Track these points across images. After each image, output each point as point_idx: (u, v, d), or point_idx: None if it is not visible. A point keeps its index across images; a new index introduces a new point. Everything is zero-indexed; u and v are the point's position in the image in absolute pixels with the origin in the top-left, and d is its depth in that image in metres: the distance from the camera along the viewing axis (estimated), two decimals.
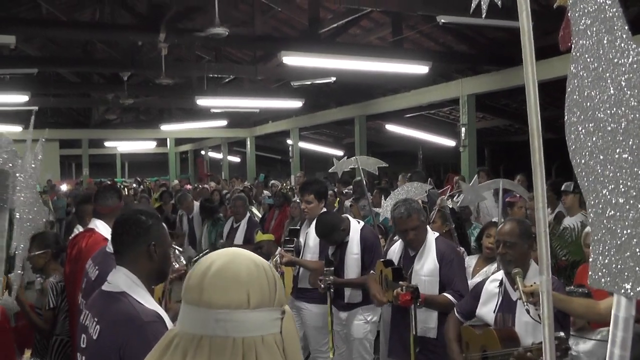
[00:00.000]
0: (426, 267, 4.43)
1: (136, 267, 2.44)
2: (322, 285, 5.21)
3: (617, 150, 0.89)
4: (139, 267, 2.44)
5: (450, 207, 6.11)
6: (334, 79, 12.15)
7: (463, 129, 11.91)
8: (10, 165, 4.05)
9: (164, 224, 2.67)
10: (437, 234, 4.68)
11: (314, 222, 5.67)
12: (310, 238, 5.70)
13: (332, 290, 5.23)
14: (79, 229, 5.00)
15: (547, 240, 1.46)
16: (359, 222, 5.52)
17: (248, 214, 8.49)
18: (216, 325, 1.22)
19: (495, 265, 4.93)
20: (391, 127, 18.89)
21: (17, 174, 4.06)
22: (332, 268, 5.20)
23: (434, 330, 4.37)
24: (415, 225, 4.52)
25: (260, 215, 10.72)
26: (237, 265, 1.28)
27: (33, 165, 4.23)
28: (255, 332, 1.23)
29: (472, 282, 4.77)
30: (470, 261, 5.25)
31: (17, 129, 17.17)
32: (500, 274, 3.76)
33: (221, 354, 1.20)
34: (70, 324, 4.26)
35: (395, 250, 4.80)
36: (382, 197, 7.42)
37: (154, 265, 2.48)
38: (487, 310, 3.70)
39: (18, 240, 4.16)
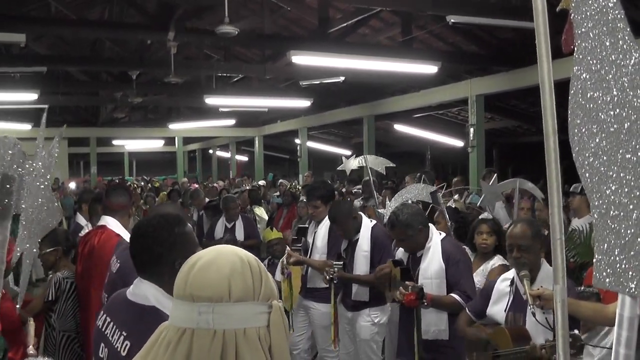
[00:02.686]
0: (432, 268, 4.42)
1: (160, 282, 2.22)
2: (327, 277, 5.25)
3: (621, 151, 0.90)
4: (164, 283, 2.20)
5: (454, 206, 6.09)
6: (342, 78, 12.16)
7: (471, 130, 11.89)
8: (16, 167, 3.85)
9: (189, 226, 2.40)
10: (443, 234, 4.67)
11: (321, 223, 5.72)
12: (318, 238, 5.72)
13: (335, 281, 5.25)
14: (88, 226, 5.04)
15: (562, 248, 1.44)
16: (371, 221, 5.54)
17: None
18: (199, 317, 1.26)
19: (491, 263, 4.93)
20: (400, 127, 18.88)
21: (26, 176, 3.88)
22: (341, 263, 5.24)
23: (445, 332, 4.36)
24: (398, 238, 4.53)
25: (265, 217, 10.75)
26: (222, 260, 1.31)
27: (46, 163, 4.04)
28: (236, 324, 1.26)
29: None
30: None
31: (26, 127, 17.26)
32: (511, 273, 3.75)
33: (202, 345, 1.24)
34: (82, 322, 4.29)
35: (403, 250, 4.80)
36: (387, 198, 7.43)
37: None
38: (498, 309, 3.70)
39: (23, 244, 3.96)
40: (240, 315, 1.27)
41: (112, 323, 2.21)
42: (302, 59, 9.17)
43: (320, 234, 5.71)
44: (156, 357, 1.27)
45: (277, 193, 12.85)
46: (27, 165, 3.84)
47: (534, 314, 3.27)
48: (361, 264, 5.26)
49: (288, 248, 6.17)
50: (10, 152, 3.67)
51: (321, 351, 5.78)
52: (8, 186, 3.65)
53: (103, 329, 2.24)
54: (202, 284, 1.28)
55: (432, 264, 4.44)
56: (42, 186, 3.88)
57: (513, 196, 9.31)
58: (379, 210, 7.07)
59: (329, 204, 5.75)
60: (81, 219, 6.41)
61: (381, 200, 8.46)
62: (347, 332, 5.48)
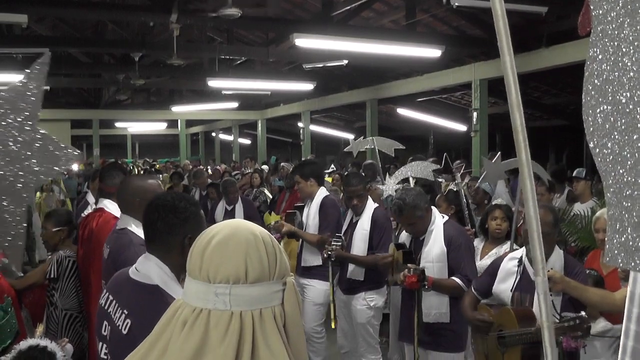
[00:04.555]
0: (434, 252, 4.44)
1: (167, 258, 2.26)
2: (324, 255, 5.30)
3: (637, 131, 0.91)
4: (171, 259, 2.25)
5: (455, 190, 6.09)
6: (346, 62, 12.12)
7: (475, 114, 11.86)
8: None
9: (202, 212, 2.47)
10: (446, 218, 4.68)
11: (314, 201, 5.81)
12: (310, 216, 5.79)
13: (332, 259, 5.31)
14: (92, 206, 5.04)
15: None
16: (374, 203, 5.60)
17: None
18: (216, 298, 1.25)
19: (505, 246, 4.95)
20: (403, 111, 18.84)
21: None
22: (340, 243, 5.28)
23: (446, 315, 4.39)
24: (407, 222, 4.55)
25: (270, 197, 10.78)
26: (237, 239, 1.29)
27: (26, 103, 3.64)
28: (253, 305, 1.26)
29: (480, 264, 4.78)
30: (478, 244, 5.26)
31: None
32: (520, 252, 3.76)
33: (218, 326, 1.23)
34: (85, 303, 4.31)
35: (406, 233, 4.82)
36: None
37: (185, 259, 2.20)
38: (504, 287, 3.71)
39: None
40: (257, 296, 1.27)
41: (114, 301, 2.23)
42: (305, 42, 9.14)
43: (312, 211, 5.78)
44: (172, 336, 1.26)
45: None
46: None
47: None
48: (359, 242, 5.31)
49: (280, 221, 6.26)
50: None
51: (309, 330, 5.79)
52: None
53: (106, 307, 2.25)
54: (219, 265, 1.27)
55: (434, 247, 4.45)
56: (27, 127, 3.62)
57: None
58: (379, 186, 7.07)
59: (312, 181, 5.84)
60: (91, 198, 6.38)
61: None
62: (343, 314, 5.52)
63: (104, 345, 2.23)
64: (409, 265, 4.33)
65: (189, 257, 1.33)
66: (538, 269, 1.46)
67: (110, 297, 2.26)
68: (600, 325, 3.89)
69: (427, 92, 15.57)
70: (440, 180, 7.16)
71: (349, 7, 10.26)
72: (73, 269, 4.39)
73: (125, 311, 2.14)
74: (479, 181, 6.19)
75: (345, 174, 10.35)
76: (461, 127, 17.14)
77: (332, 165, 15.45)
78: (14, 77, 12.40)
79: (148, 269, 2.24)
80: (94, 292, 4.01)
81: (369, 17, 12.03)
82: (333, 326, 5.56)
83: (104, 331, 2.22)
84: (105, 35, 14.58)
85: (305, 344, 1.37)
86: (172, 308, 1.32)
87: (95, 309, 3.99)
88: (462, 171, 7.65)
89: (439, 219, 4.58)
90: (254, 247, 1.29)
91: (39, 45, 11.47)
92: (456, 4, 7.53)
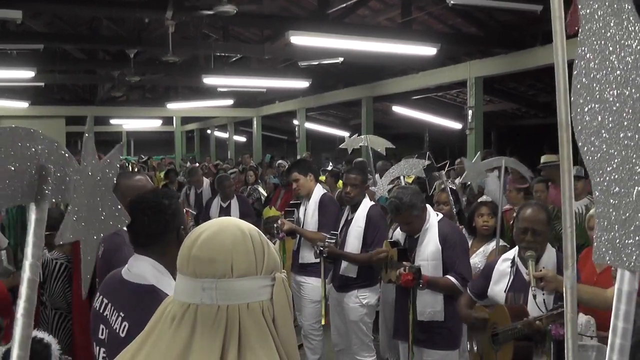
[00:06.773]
0: (429, 250, 4.45)
1: (165, 257, 2.22)
2: (317, 251, 5.31)
3: (623, 129, 0.92)
4: (169, 256, 2.15)
5: (452, 187, 6.10)
6: (341, 59, 12.11)
7: (470, 112, 11.87)
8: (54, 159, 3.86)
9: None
10: (441, 216, 4.69)
11: (312, 199, 5.83)
12: (308, 214, 5.79)
13: (325, 255, 5.32)
14: None
15: (573, 235, 1.44)
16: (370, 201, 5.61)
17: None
18: (203, 293, 1.26)
19: (492, 244, 4.96)
20: (398, 109, 18.84)
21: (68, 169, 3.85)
22: (334, 240, 5.30)
23: (440, 314, 4.40)
24: (405, 221, 4.56)
25: (265, 194, 10.78)
26: (224, 235, 1.31)
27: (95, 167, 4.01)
28: (240, 299, 1.26)
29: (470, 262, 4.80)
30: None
31: (23, 104, 17.21)
32: (512, 253, 3.77)
33: (206, 320, 1.24)
34: (75, 303, 4.30)
35: (400, 231, 4.82)
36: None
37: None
38: (498, 289, 3.72)
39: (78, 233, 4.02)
40: (244, 290, 1.27)
41: (109, 304, 2.21)
42: (300, 39, 9.13)
43: (310, 209, 5.78)
44: (161, 332, 1.28)
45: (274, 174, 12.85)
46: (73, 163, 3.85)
47: (535, 297, 3.29)
48: (353, 239, 5.32)
49: (281, 218, 6.27)
50: (40, 146, 3.69)
51: (307, 327, 5.80)
52: (44, 173, 3.68)
53: (101, 311, 2.23)
54: (205, 260, 1.28)
55: (429, 245, 4.46)
56: (97, 188, 3.89)
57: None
58: (371, 188, 7.10)
59: (310, 176, 5.89)
60: None
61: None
62: (337, 312, 5.53)
63: (102, 349, 2.22)
64: (404, 263, 4.34)
65: (179, 254, 1.35)
66: (568, 263, 1.46)
67: (105, 301, 2.25)
68: (583, 319, 3.87)
69: (423, 89, 15.58)
70: (438, 177, 7.19)
71: (344, 5, 10.25)
72: (61, 271, 4.36)
73: (121, 314, 2.14)
74: (460, 180, 6.21)
75: (346, 168, 10.36)
76: (456, 125, 17.17)
77: (330, 163, 15.47)
78: (8, 74, 12.39)
79: (142, 269, 2.22)
80: (76, 290, 4.05)
81: (365, 14, 12.02)
82: (323, 322, 5.58)
83: (101, 335, 2.21)
84: (100, 32, 14.53)
85: (296, 339, 1.37)
86: (162, 305, 1.33)
87: (79, 305, 4.03)
88: (447, 168, 7.70)
89: (433, 217, 4.59)
90: (240, 243, 1.30)
91: (34, 42, 11.45)
92: (452, 2, 7.53)
